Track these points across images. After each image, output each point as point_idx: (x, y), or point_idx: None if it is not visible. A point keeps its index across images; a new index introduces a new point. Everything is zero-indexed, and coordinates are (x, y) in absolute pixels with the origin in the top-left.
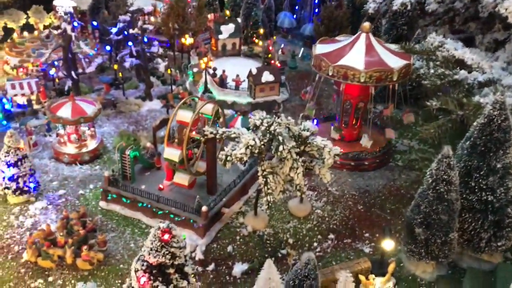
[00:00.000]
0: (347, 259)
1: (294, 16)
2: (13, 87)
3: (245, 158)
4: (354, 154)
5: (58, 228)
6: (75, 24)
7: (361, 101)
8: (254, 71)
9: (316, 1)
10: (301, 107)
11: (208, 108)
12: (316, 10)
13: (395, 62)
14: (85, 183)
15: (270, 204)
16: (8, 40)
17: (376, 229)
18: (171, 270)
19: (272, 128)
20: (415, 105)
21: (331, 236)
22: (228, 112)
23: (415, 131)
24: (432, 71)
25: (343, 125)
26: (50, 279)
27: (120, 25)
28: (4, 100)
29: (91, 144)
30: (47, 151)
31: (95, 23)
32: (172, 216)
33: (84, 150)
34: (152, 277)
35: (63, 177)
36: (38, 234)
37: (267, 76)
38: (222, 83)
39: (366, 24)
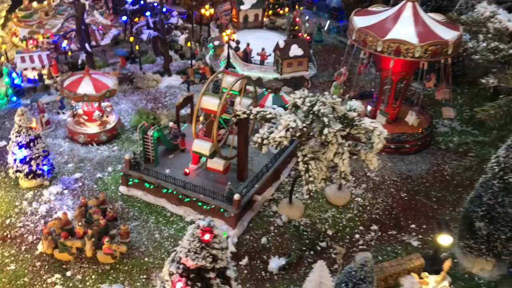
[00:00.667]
0: (395, 254)
1: None
2: (23, 60)
3: (285, 142)
4: (394, 136)
5: (75, 217)
6: None
7: (403, 78)
8: (282, 44)
9: None
10: (330, 83)
11: (235, 84)
12: None
13: (448, 34)
14: (102, 165)
15: (311, 194)
16: (17, 10)
17: (423, 219)
18: (212, 275)
19: (315, 108)
20: (454, 82)
21: (374, 227)
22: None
23: (456, 110)
24: (483, 44)
25: (381, 104)
26: (68, 273)
27: None
28: (14, 75)
29: (109, 123)
30: (60, 130)
31: None
32: (200, 204)
33: (101, 129)
34: (189, 282)
35: (79, 159)
36: (54, 223)
37: (295, 50)
38: (246, 57)
39: None
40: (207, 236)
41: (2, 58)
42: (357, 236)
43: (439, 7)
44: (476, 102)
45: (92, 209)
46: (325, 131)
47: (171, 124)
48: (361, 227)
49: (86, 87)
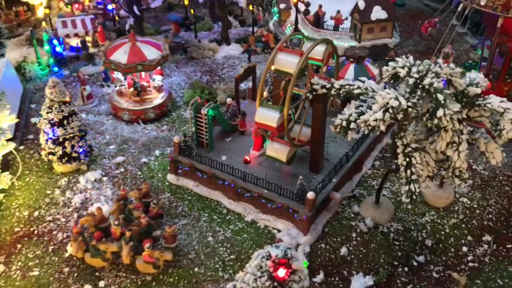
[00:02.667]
0: None
1: None
2: (65, 25)
3: (382, 127)
4: None
5: (112, 213)
6: None
7: None
8: (362, 5)
9: None
10: (417, 54)
11: (318, 51)
12: None
13: None
14: (149, 148)
15: (415, 197)
16: None
17: None
18: None
19: (426, 82)
20: None
21: (487, 237)
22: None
23: None
24: None
25: (490, 77)
26: (102, 284)
27: None
28: (55, 42)
29: (157, 99)
30: (104, 105)
31: None
32: (263, 201)
33: (147, 106)
34: None
35: (123, 140)
36: (87, 220)
37: (378, 12)
38: (317, 22)
39: None
40: (282, 273)
41: (44, 24)
42: (464, 248)
43: None
44: None
45: (133, 204)
46: (439, 112)
47: (229, 100)
48: (469, 237)
49: (119, 55)
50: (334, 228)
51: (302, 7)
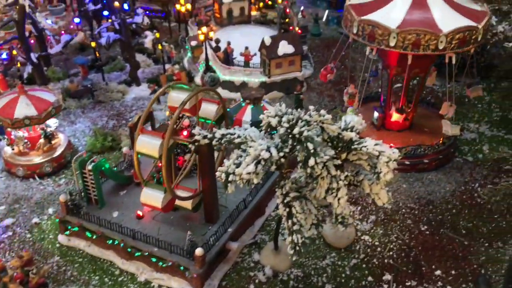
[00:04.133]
0: None
1: None
2: None
3: (255, 180)
4: (409, 149)
5: None
6: None
7: (417, 76)
8: (268, 42)
9: None
10: (330, 84)
11: (210, 111)
12: None
13: (474, 16)
14: (43, 206)
15: (298, 248)
16: None
17: (451, 262)
18: None
19: (296, 131)
20: (479, 75)
21: (387, 276)
22: (233, 96)
23: (482, 110)
24: None
25: (390, 109)
26: None
27: None
28: None
29: (55, 150)
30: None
31: None
32: (154, 260)
33: (44, 158)
34: None
35: (14, 199)
36: None
37: (284, 47)
38: (227, 58)
39: None
40: None
41: None
42: None
43: None
44: (508, 101)
45: (7, 276)
46: (311, 162)
47: (125, 149)
48: (370, 278)
49: (25, 109)
50: (232, 280)
51: (212, 43)
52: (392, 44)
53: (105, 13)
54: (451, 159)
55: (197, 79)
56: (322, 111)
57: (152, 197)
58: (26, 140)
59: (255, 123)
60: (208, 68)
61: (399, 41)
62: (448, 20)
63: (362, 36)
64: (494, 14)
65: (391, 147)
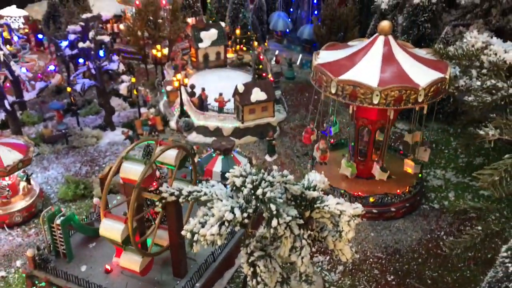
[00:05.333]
0: None
1: (289, 17)
2: None
3: (218, 242)
4: (376, 197)
5: None
6: (15, 38)
7: (382, 127)
8: (241, 89)
9: (315, 1)
10: (302, 129)
11: (170, 156)
12: (315, 10)
13: (425, 77)
14: (10, 258)
15: None
16: None
17: None
18: None
19: (259, 192)
20: (445, 121)
21: None
22: (208, 140)
23: (449, 156)
24: (478, 83)
25: (358, 157)
26: None
27: (72, 37)
28: None
29: (24, 199)
30: None
31: (40, 36)
32: None
33: (13, 208)
34: None
35: None
36: None
37: (257, 94)
38: (201, 104)
39: (385, 24)
40: None
41: None
42: None
43: (422, 36)
44: (473, 147)
45: None
46: (274, 223)
47: (95, 200)
48: None
49: None
50: None
51: (188, 89)
52: (375, 101)
53: (81, 60)
54: (417, 207)
55: (172, 124)
56: (285, 171)
57: (112, 228)
58: (7, 189)
59: (226, 174)
60: (183, 113)
61: (382, 98)
62: (419, 74)
63: (342, 95)
64: (458, 66)
65: (358, 195)
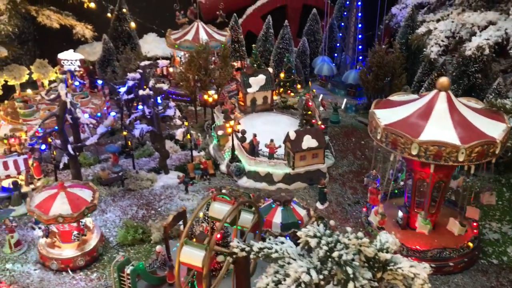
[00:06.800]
0: None
1: (333, 61)
2: None
3: None
4: (434, 252)
5: None
6: (76, 83)
7: (441, 180)
8: (293, 136)
9: (360, 47)
10: (351, 175)
11: (246, 220)
12: (360, 56)
13: (493, 129)
14: None
15: None
16: (5, 102)
17: None
18: None
19: (336, 254)
20: (496, 170)
21: None
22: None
23: (503, 208)
24: None
25: (414, 210)
26: None
27: (130, 83)
28: None
29: (88, 243)
30: (33, 251)
31: (100, 81)
32: None
33: (79, 251)
34: None
35: None
36: None
37: (308, 141)
38: (253, 150)
39: (445, 80)
40: None
41: None
42: None
43: (472, 86)
44: None
45: None
46: (350, 286)
47: (158, 248)
48: None
49: (61, 207)
50: None
51: (238, 134)
52: (414, 153)
53: (140, 107)
54: (476, 261)
55: (223, 167)
56: (360, 234)
57: (193, 256)
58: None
59: (286, 225)
60: (234, 158)
61: (421, 151)
62: (488, 127)
63: (385, 142)
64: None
65: (416, 249)
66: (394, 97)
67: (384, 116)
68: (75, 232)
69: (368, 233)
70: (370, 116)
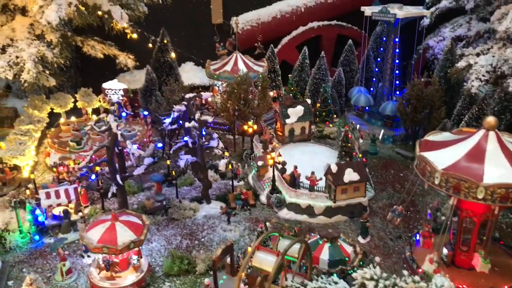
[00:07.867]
0: None
1: (369, 92)
2: (48, 196)
3: None
4: None
5: None
6: (124, 114)
7: (487, 219)
8: (334, 169)
9: (397, 82)
10: (391, 208)
11: (294, 249)
12: (397, 83)
13: None
14: None
15: None
16: (52, 129)
17: None
18: None
19: None
20: None
21: None
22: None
23: None
24: None
25: (460, 247)
26: None
27: (175, 114)
28: (38, 211)
29: (135, 273)
30: (83, 278)
31: (145, 112)
32: None
33: (124, 283)
34: None
35: None
36: None
37: (350, 175)
38: (293, 182)
39: (492, 120)
40: None
41: (28, 192)
42: None
43: None
44: None
45: None
46: None
47: (207, 281)
48: None
49: (125, 234)
50: None
51: (279, 165)
52: (480, 196)
53: (186, 138)
54: None
55: (263, 198)
56: (417, 277)
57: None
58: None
59: (333, 262)
60: (275, 189)
61: (487, 194)
62: None
63: (445, 187)
64: None
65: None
66: (430, 137)
67: (434, 159)
68: (135, 257)
69: (419, 275)
70: (420, 160)
